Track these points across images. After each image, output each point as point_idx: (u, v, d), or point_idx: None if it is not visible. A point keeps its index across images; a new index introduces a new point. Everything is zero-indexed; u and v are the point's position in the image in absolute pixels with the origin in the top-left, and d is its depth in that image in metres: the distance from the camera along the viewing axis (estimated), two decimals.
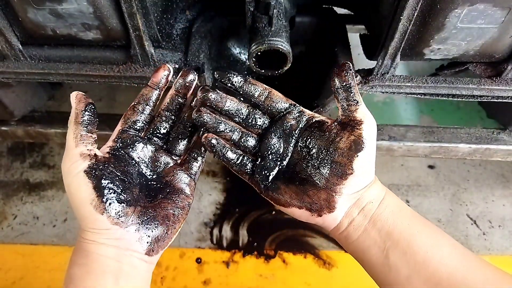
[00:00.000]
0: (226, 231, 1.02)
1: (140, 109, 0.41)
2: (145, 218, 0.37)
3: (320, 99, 0.68)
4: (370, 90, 0.62)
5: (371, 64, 0.60)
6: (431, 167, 1.17)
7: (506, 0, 0.48)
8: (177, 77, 0.43)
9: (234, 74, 0.42)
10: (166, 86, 0.42)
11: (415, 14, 0.50)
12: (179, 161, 0.43)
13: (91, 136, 0.38)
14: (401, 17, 0.50)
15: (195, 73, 0.44)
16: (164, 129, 0.43)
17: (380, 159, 1.17)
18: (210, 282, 0.92)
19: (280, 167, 0.42)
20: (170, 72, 0.42)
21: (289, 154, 0.42)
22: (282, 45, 0.52)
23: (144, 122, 0.42)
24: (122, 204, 0.36)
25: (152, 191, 0.40)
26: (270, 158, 0.42)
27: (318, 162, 0.40)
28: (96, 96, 1.31)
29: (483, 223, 1.05)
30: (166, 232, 0.38)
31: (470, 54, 0.58)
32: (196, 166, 0.43)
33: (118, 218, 0.35)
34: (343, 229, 0.40)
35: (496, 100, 0.64)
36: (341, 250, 0.99)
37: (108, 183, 0.35)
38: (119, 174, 0.37)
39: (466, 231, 1.03)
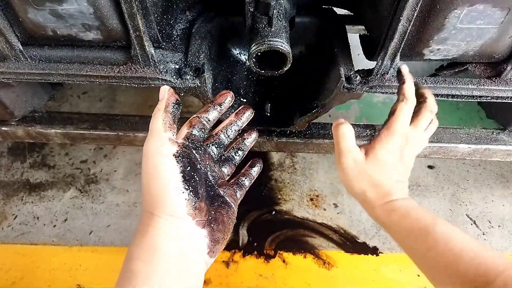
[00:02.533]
0: None
1: (204, 120, 0.43)
2: (210, 217, 0.37)
3: (320, 99, 0.68)
4: (370, 90, 0.62)
5: (370, 64, 0.61)
6: (430, 167, 1.17)
7: (505, 0, 0.48)
8: (238, 109, 0.48)
9: None
10: (224, 110, 0.46)
11: (415, 15, 0.50)
12: (227, 179, 0.46)
13: (174, 126, 0.39)
14: (400, 18, 0.50)
15: (253, 111, 0.49)
16: (219, 147, 0.45)
17: None
18: (210, 281, 0.92)
19: None
20: (232, 99, 0.46)
21: None
22: (282, 46, 0.52)
23: (206, 133, 0.43)
24: (198, 196, 0.36)
25: (210, 196, 0.40)
26: None
27: None
28: (97, 97, 1.31)
29: (483, 223, 1.05)
30: (223, 237, 0.38)
31: (470, 54, 0.58)
32: (239, 193, 0.45)
33: (194, 209, 0.35)
34: None
35: (495, 101, 0.64)
36: (341, 250, 0.99)
37: (192, 172, 0.36)
38: (194, 169, 0.38)
39: (466, 231, 1.04)
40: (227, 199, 0.42)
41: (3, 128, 0.79)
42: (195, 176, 0.37)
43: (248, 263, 0.96)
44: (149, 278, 0.32)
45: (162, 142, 0.36)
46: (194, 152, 0.40)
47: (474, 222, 1.06)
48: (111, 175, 1.13)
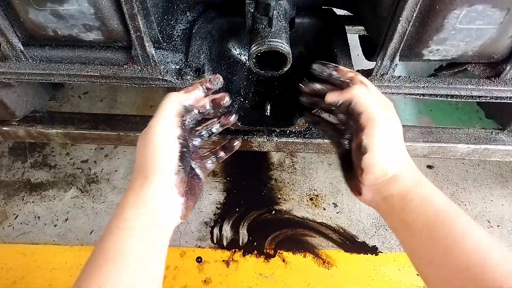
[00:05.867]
0: (226, 230, 1.02)
1: (195, 108, 0.48)
2: (187, 188, 0.45)
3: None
4: None
5: (370, 65, 0.61)
6: (430, 167, 1.18)
7: (504, 0, 0.48)
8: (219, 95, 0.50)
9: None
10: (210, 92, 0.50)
11: (414, 15, 0.50)
12: (200, 154, 0.51)
13: (184, 114, 0.45)
14: (400, 18, 0.50)
15: (231, 97, 0.51)
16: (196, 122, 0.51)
17: None
18: (210, 281, 0.93)
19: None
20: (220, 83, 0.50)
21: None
22: (281, 46, 0.52)
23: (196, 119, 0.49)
24: (185, 172, 0.44)
25: (187, 170, 0.47)
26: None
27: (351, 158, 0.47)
28: (98, 97, 1.32)
29: (482, 223, 1.05)
30: (193, 205, 0.46)
31: (469, 54, 0.58)
32: (210, 166, 0.52)
33: (180, 183, 0.43)
34: (375, 207, 0.47)
35: (494, 101, 0.64)
36: (340, 249, 0.99)
37: (186, 153, 0.44)
38: (188, 149, 0.45)
39: None
40: (198, 172, 0.49)
41: (4, 128, 0.79)
42: (187, 156, 0.44)
43: (248, 263, 0.96)
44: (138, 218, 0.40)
45: (169, 123, 0.43)
46: (187, 133, 0.46)
47: None
48: (112, 175, 1.14)
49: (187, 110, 0.46)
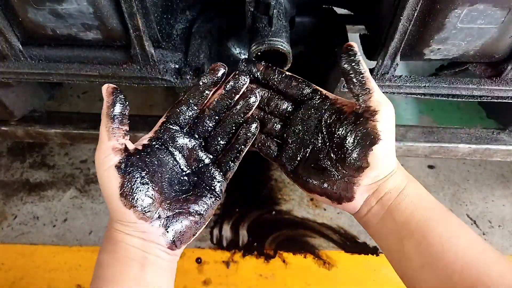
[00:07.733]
0: (226, 231, 1.02)
1: (186, 105, 0.41)
2: (171, 213, 0.38)
3: None
4: None
5: (371, 64, 0.60)
6: (431, 167, 1.17)
7: (505, 0, 0.48)
8: (229, 78, 0.43)
9: (257, 62, 0.45)
10: (217, 87, 0.43)
11: (415, 14, 0.50)
12: (214, 160, 0.44)
13: (122, 128, 0.38)
14: (401, 17, 0.50)
15: (248, 77, 0.43)
16: (206, 127, 0.43)
17: None
18: (210, 282, 0.92)
19: (303, 154, 0.43)
20: (225, 71, 0.42)
21: (312, 142, 0.42)
22: (282, 45, 0.52)
23: (189, 117, 0.42)
24: (149, 199, 0.37)
25: (183, 186, 0.40)
26: (294, 146, 0.43)
27: (336, 153, 0.39)
28: (96, 96, 1.31)
29: (483, 223, 1.05)
30: (190, 228, 0.39)
31: (470, 54, 0.58)
32: (231, 167, 0.43)
33: (144, 214, 0.36)
34: (362, 215, 0.41)
35: (496, 100, 0.64)
36: (341, 250, 0.99)
37: (136, 179, 0.36)
38: (150, 168, 0.38)
39: None
40: (209, 184, 0.41)
41: (3, 128, 0.79)
42: (147, 179, 0.37)
43: (248, 263, 0.96)
44: (112, 265, 0.36)
45: (105, 153, 0.36)
46: (166, 144, 0.40)
47: (475, 222, 1.06)
48: None
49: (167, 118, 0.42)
